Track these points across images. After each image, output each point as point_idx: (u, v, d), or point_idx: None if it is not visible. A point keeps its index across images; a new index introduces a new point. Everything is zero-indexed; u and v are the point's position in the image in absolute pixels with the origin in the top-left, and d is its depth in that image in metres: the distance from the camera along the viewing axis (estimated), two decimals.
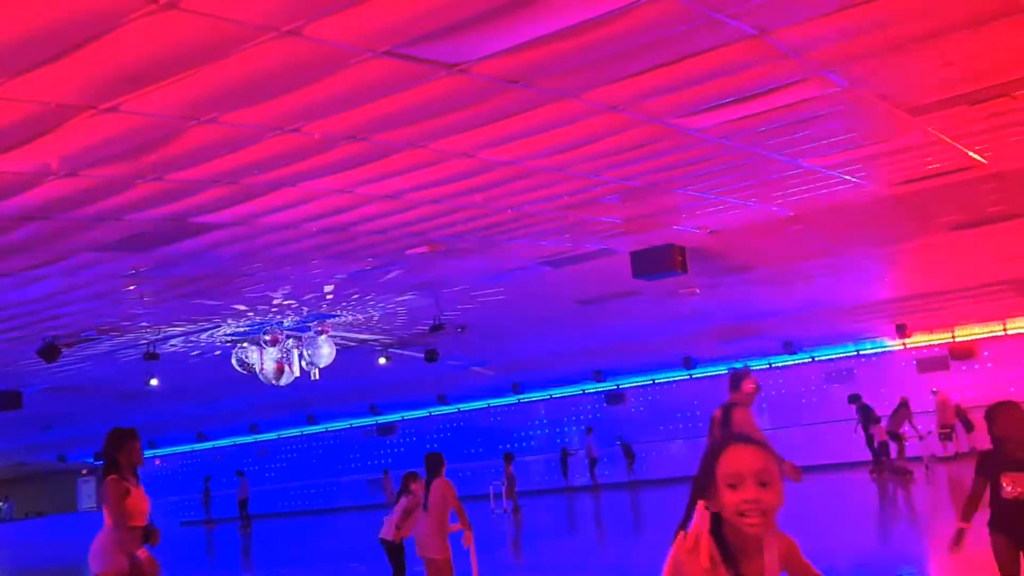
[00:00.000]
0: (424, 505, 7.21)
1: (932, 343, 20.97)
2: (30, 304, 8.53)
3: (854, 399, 18.42)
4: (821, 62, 4.84)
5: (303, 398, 19.97)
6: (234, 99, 4.31)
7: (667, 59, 4.54)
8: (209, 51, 3.76)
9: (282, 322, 11.33)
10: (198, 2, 3.32)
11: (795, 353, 21.07)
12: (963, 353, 20.71)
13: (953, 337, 20.72)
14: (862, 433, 17.89)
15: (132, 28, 3.44)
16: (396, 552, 8.06)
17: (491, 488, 20.13)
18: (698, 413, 23.62)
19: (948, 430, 19.27)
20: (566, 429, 25.42)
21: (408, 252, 8.33)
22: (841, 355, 22.02)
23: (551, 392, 25.15)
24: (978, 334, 20.52)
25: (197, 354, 12.87)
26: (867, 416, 17.82)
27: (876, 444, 17.50)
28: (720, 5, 4.00)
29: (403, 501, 7.91)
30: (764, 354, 21.50)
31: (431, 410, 26.41)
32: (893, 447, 17.76)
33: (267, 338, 11.32)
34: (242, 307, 10.14)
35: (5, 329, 9.57)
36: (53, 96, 4.01)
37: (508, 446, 25.47)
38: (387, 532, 8.01)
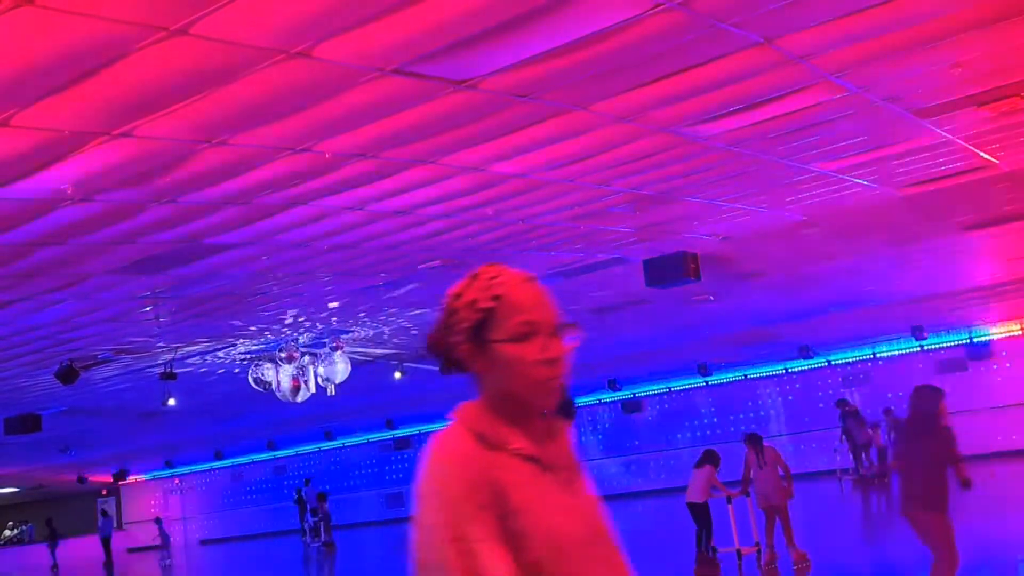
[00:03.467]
0: (760, 465, 9.39)
1: (949, 344, 20.82)
2: (47, 327, 8.60)
3: (841, 404, 18.34)
4: (828, 67, 4.83)
5: (320, 414, 20.00)
6: (245, 121, 4.35)
7: (674, 69, 4.54)
8: (219, 75, 3.80)
9: (297, 339, 11.37)
10: (208, 27, 3.36)
11: (811, 357, 20.94)
12: (981, 353, 20.56)
13: (970, 337, 20.56)
14: (846, 442, 17.98)
15: (143, 54, 3.48)
16: (704, 511, 9.82)
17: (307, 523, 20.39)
18: (715, 420, 23.54)
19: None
20: (584, 439, 25.35)
21: (420, 267, 8.35)
22: (858, 358, 21.87)
23: None
24: (995, 334, 20.35)
25: (213, 373, 12.93)
26: (862, 424, 17.86)
27: (859, 448, 17.70)
28: (725, 14, 4.01)
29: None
30: (780, 359, 21.38)
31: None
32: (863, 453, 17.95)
33: (283, 355, 11.36)
34: (257, 325, 10.19)
35: (23, 353, 9.65)
36: (67, 123, 4.06)
37: None
38: (694, 496, 9.88)
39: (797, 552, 9.17)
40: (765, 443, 9.78)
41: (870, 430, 17.98)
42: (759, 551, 9.55)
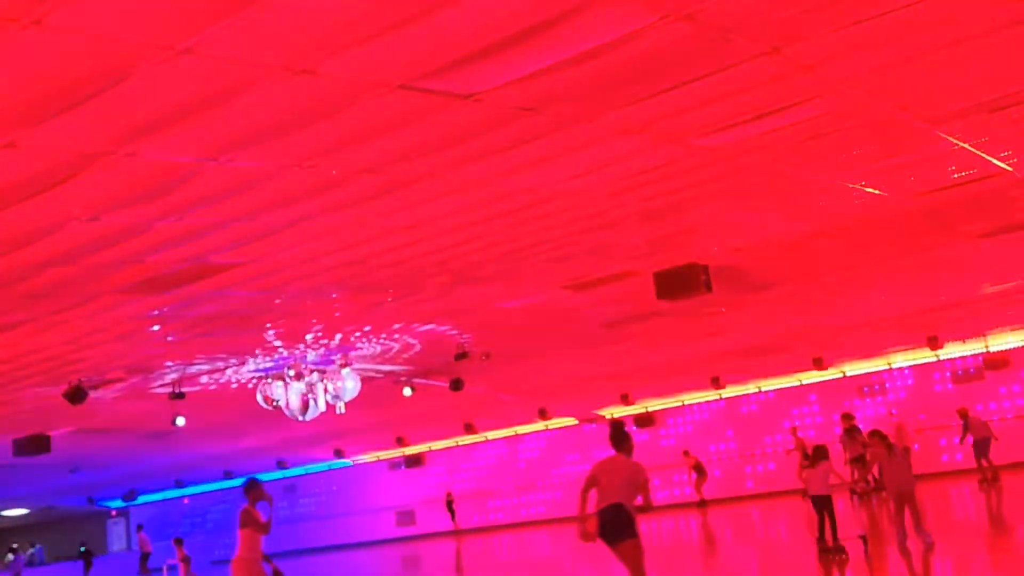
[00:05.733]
0: (891, 458, 10.45)
1: (966, 354, 20.63)
2: (55, 348, 8.59)
3: (846, 418, 17.91)
4: (837, 76, 4.78)
5: (329, 432, 19.95)
6: (251, 138, 4.33)
7: (682, 80, 4.51)
8: (225, 93, 3.78)
9: (306, 356, 11.33)
10: (213, 46, 3.34)
11: (825, 369, 20.76)
12: (998, 363, 20.36)
13: (987, 347, 20.38)
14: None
15: (149, 74, 3.46)
16: (829, 502, 10.47)
17: (164, 565, 20.21)
18: (729, 433, 23.36)
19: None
20: (597, 453, 25.19)
21: (428, 282, 8.31)
22: (873, 369, 21.70)
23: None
24: (1013, 343, 20.16)
25: (222, 391, 12.90)
26: (854, 439, 17.53)
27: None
28: (732, 25, 3.97)
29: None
30: (794, 370, 21.24)
31: (458, 440, 26.30)
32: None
33: (292, 373, 11.32)
34: (265, 343, 10.16)
35: (32, 373, 9.64)
36: (74, 143, 4.05)
37: (534, 472, 25.29)
38: (819, 489, 10.49)
39: (925, 535, 10.17)
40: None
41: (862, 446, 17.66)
42: (864, 541, 10.71)
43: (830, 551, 10.41)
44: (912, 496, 10.28)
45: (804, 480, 11.11)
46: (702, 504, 21.73)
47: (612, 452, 6.94)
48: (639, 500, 6.83)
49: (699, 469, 21.98)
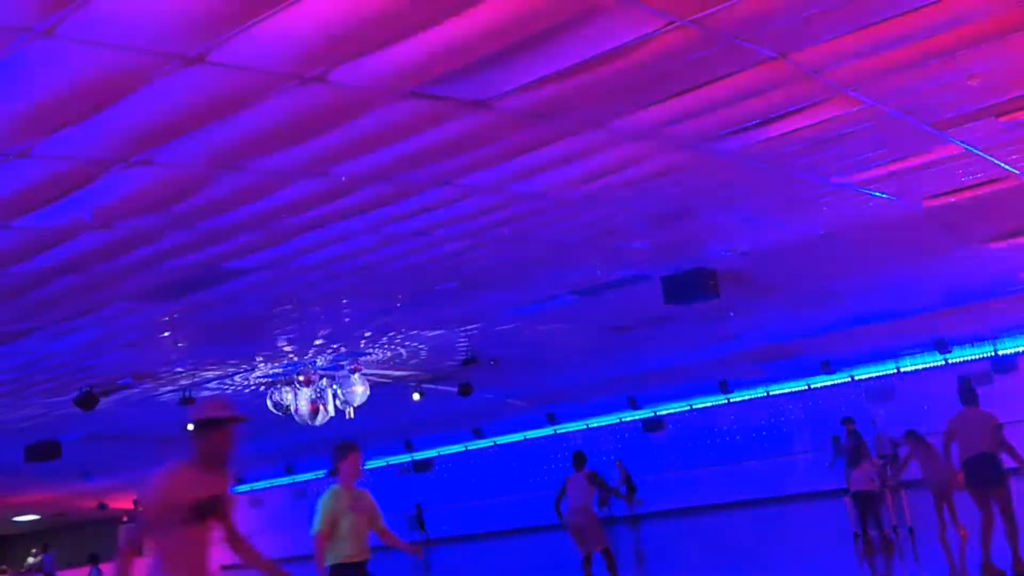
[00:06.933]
0: (929, 457, 10.88)
1: (974, 357, 20.55)
2: (67, 354, 8.64)
3: (847, 422, 17.53)
4: (844, 81, 4.79)
5: (338, 437, 19.96)
6: (261, 146, 4.37)
7: (689, 85, 4.52)
8: (236, 101, 3.82)
9: (315, 362, 11.37)
10: (224, 55, 3.37)
11: (834, 373, 20.68)
12: (1007, 366, 20.27)
13: (995, 351, 20.29)
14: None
15: (161, 83, 3.50)
16: (870, 499, 11.19)
17: None
18: (737, 438, 23.28)
19: (884, 460, 18.85)
20: (603, 459, 25.13)
21: (438, 288, 8.34)
22: (881, 373, 21.62)
23: (587, 422, 24.92)
24: (1021, 346, 20.08)
25: (232, 397, 12.95)
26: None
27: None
28: (739, 30, 3.99)
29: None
30: (802, 375, 21.18)
31: (467, 444, 26.28)
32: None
33: (301, 379, 11.36)
34: (275, 349, 10.20)
35: (43, 380, 9.70)
36: (86, 152, 4.09)
37: (544, 478, 25.22)
38: (864, 485, 11.19)
39: (962, 528, 10.81)
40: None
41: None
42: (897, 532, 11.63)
43: (876, 544, 11.02)
44: (950, 492, 10.78)
45: (848, 478, 11.73)
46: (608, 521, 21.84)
47: (964, 407, 8.04)
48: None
49: (602, 486, 21.92)
